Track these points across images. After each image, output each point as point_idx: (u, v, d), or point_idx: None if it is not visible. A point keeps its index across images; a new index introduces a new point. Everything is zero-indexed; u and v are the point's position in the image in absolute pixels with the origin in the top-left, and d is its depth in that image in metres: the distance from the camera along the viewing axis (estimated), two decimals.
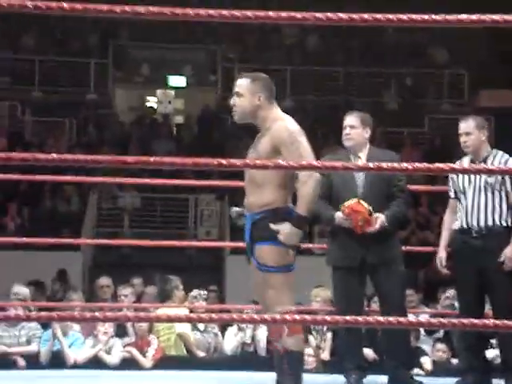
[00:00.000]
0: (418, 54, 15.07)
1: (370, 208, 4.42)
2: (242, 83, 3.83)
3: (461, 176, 4.52)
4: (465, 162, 4.61)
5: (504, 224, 4.45)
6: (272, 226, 3.63)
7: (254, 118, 3.82)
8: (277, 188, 3.66)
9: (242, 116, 3.84)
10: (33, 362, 5.72)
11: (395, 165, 2.73)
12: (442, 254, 4.61)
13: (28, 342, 5.81)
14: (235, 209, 3.88)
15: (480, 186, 4.49)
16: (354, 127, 4.57)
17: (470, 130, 4.53)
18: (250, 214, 3.71)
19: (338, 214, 4.47)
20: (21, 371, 5.61)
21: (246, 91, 3.79)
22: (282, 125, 3.71)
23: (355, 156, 4.59)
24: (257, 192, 3.67)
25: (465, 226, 4.49)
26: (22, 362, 5.70)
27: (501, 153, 4.57)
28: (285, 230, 3.60)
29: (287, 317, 2.74)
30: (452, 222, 4.62)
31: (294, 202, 3.79)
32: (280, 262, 3.62)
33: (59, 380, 5.28)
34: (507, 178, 4.42)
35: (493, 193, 4.46)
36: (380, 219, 4.43)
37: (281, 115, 3.81)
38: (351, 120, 4.59)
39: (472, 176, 4.48)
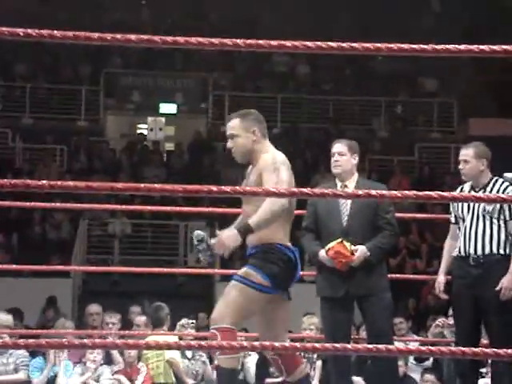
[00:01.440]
0: (408, 82, 15.18)
1: (353, 248, 4.44)
2: (234, 124, 3.83)
3: (460, 202, 4.50)
4: (466, 189, 4.58)
5: (502, 252, 4.40)
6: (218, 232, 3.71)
7: (253, 154, 3.79)
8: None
9: (243, 156, 3.82)
10: None
11: (384, 192, 2.74)
12: (440, 278, 4.59)
13: (15, 370, 5.76)
14: (198, 232, 3.82)
15: (478, 214, 4.45)
16: (342, 154, 4.57)
17: (467, 158, 4.50)
18: (249, 247, 3.80)
19: (322, 254, 4.47)
20: None
21: (239, 130, 3.79)
22: (268, 155, 3.75)
23: (342, 184, 4.60)
24: None
25: (463, 253, 4.46)
26: None
27: (501, 180, 4.52)
28: (227, 232, 3.63)
29: (277, 344, 2.74)
30: (452, 247, 4.59)
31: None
32: (248, 276, 3.68)
33: None
34: (506, 206, 4.38)
35: (491, 221, 4.42)
36: (360, 251, 4.43)
37: (271, 149, 3.82)
38: (339, 147, 4.60)
39: (471, 203, 4.44)
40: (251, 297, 3.67)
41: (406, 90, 15.01)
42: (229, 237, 3.60)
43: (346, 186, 4.56)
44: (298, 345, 2.70)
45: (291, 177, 3.74)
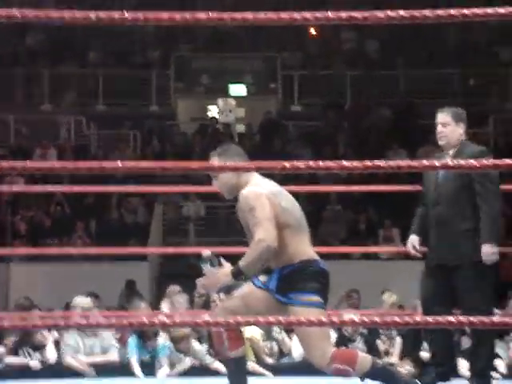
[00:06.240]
0: (482, 52, 14.85)
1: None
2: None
3: None
4: None
5: None
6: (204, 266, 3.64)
7: (240, 188, 3.74)
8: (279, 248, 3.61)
9: (229, 192, 3.79)
10: (111, 370, 5.82)
11: (462, 162, 2.69)
12: None
13: (103, 352, 5.91)
14: (208, 253, 3.71)
15: None
16: (446, 124, 4.41)
17: None
18: (280, 266, 3.67)
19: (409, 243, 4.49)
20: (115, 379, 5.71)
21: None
22: (242, 195, 3.67)
23: (447, 153, 4.43)
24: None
25: None
26: (92, 372, 5.81)
27: None
28: (224, 269, 3.61)
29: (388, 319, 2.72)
30: None
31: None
32: (305, 299, 3.65)
33: None
34: None
35: None
36: (484, 252, 4.30)
37: (251, 180, 3.73)
38: (442, 117, 4.43)
39: None
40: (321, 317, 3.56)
41: (479, 61, 14.68)
42: (222, 274, 3.60)
43: (448, 155, 4.40)
44: (377, 319, 2.68)
45: (276, 205, 3.62)
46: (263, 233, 3.54)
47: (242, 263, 3.59)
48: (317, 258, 3.69)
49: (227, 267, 3.64)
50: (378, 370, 3.57)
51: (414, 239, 4.48)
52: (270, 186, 3.74)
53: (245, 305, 3.66)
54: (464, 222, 4.37)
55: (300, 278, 3.61)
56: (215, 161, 3.84)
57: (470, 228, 4.35)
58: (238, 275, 3.59)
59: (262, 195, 3.63)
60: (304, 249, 3.66)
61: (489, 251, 4.28)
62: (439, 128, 4.42)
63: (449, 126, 4.40)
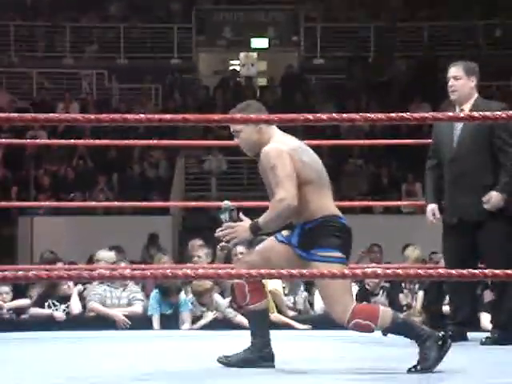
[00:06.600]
0: (507, 2, 14.58)
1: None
2: None
3: None
4: None
5: None
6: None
7: (262, 145, 3.67)
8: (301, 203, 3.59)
9: (251, 149, 3.73)
10: (135, 322, 5.86)
11: (488, 113, 2.64)
12: None
13: (129, 304, 5.96)
14: (227, 203, 3.68)
15: None
16: (458, 78, 4.39)
17: None
18: (301, 222, 3.65)
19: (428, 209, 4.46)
20: (127, 331, 5.73)
21: (241, 125, 3.69)
22: (263, 153, 3.63)
23: (459, 109, 4.41)
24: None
25: None
26: (125, 321, 5.87)
27: None
28: (243, 223, 3.61)
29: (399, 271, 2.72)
30: None
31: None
32: (327, 256, 3.63)
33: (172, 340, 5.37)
34: None
35: None
36: (494, 199, 4.28)
37: (272, 136, 3.68)
38: (454, 71, 4.41)
39: None
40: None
41: (505, 12, 14.43)
42: (241, 229, 3.59)
43: (462, 111, 4.38)
44: (400, 272, 2.67)
45: (296, 161, 3.58)
46: (284, 192, 3.54)
47: (261, 220, 3.60)
48: (339, 213, 3.68)
49: (246, 222, 3.64)
50: (399, 325, 3.57)
51: (433, 208, 4.50)
52: (291, 141, 3.71)
53: (264, 259, 3.67)
54: (485, 177, 4.36)
55: (322, 234, 3.60)
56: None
57: (490, 184, 4.35)
58: (257, 232, 3.60)
59: (283, 152, 3.61)
60: (326, 204, 3.65)
61: (497, 199, 4.30)
62: (451, 82, 4.43)
63: (460, 80, 4.40)
